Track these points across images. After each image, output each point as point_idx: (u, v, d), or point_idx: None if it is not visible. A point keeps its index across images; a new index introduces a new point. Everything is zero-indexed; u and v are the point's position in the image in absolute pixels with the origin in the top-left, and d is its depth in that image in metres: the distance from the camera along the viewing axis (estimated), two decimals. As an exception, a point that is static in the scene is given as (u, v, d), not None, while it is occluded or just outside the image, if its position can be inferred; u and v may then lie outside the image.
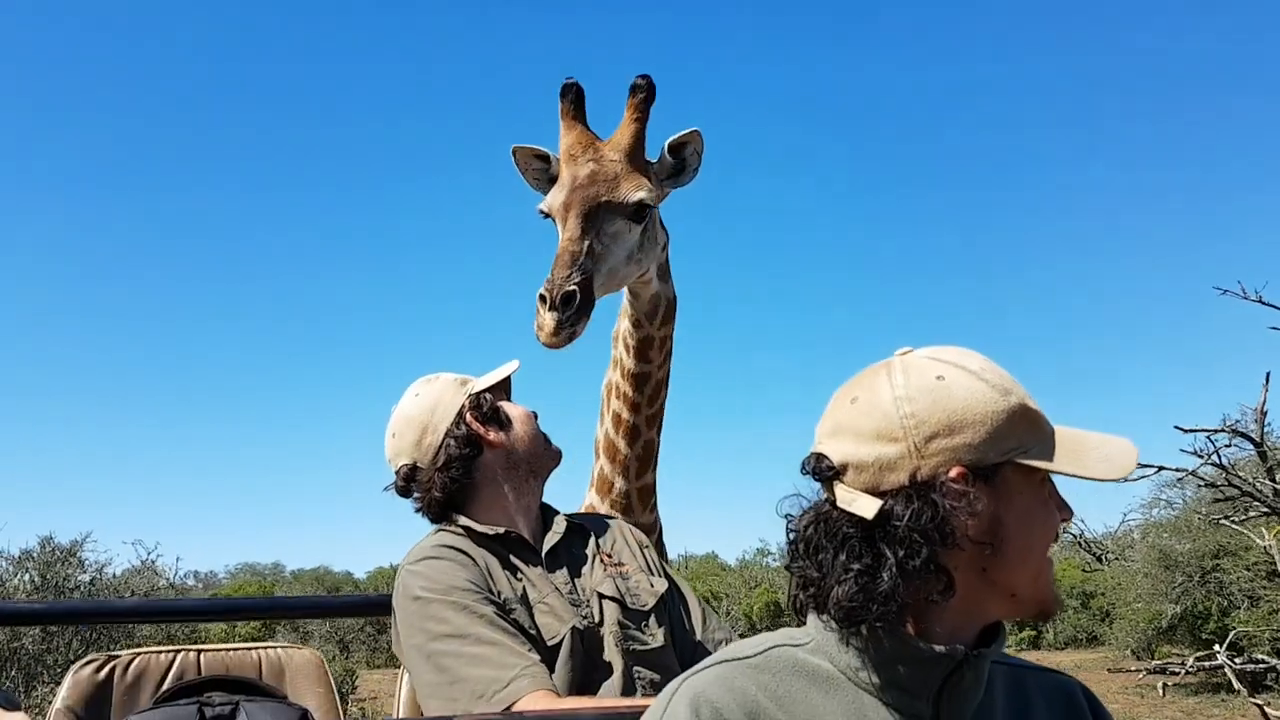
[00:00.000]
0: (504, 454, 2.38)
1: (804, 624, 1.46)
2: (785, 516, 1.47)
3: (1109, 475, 1.35)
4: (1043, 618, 1.45)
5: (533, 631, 2.17)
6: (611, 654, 2.22)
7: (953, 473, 1.33)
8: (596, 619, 2.26)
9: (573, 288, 2.71)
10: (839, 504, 1.38)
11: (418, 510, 2.40)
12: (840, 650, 1.39)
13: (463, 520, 2.34)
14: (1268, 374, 8.58)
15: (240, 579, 32.00)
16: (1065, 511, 1.41)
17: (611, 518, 2.70)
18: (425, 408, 2.40)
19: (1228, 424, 8.88)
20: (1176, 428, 8.55)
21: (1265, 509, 9.14)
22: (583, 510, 3.08)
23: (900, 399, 1.37)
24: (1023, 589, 1.37)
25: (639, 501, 3.09)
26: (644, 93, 3.02)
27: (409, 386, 2.47)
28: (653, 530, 3.11)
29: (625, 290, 3.14)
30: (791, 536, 1.45)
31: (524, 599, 2.22)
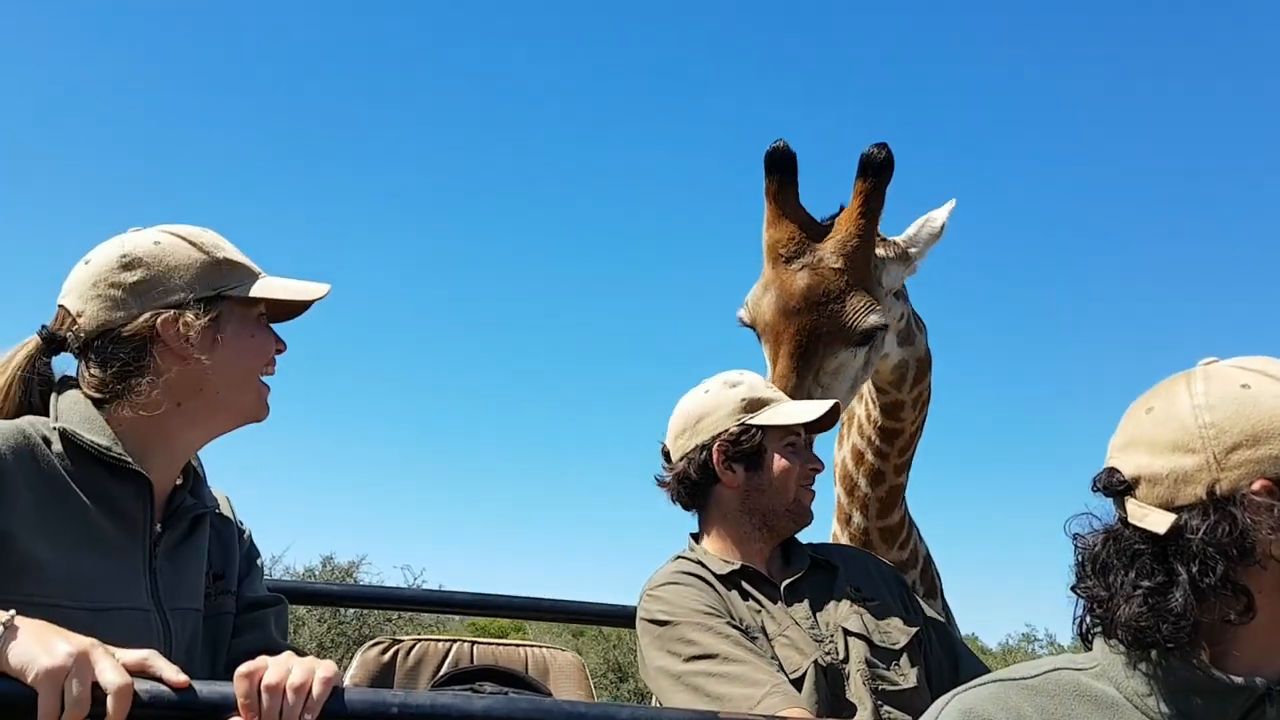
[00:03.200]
0: (739, 496, 2.30)
1: (1089, 650, 1.39)
2: (1073, 536, 1.41)
3: None
4: None
5: (774, 663, 2.09)
6: (859, 692, 2.11)
7: (1256, 485, 1.24)
8: (841, 655, 2.15)
9: None
10: (1130, 520, 1.32)
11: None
12: (1127, 675, 1.31)
13: (699, 550, 2.32)
14: None
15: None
16: None
17: (862, 551, 2.59)
18: (696, 412, 2.35)
19: None
20: None
21: None
22: (830, 540, 2.89)
23: (1199, 408, 1.30)
24: None
25: (881, 540, 2.78)
26: (878, 174, 2.45)
27: (714, 377, 2.41)
28: (911, 566, 2.87)
29: None
30: (1079, 556, 1.40)
31: (763, 630, 2.15)
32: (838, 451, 2.89)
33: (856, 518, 2.78)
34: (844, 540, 2.82)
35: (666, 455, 2.41)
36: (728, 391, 2.36)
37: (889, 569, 2.49)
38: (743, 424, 2.30)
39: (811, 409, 2.30)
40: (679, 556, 2.35)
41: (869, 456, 2.76)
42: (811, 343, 2.44)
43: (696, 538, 2.40)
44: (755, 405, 2.32)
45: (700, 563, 2.28)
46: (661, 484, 2.41)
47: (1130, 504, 1.33)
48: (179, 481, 1.82)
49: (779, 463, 2.29)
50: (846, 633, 2.20)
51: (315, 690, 1.44)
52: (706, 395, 2.37)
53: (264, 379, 1.86)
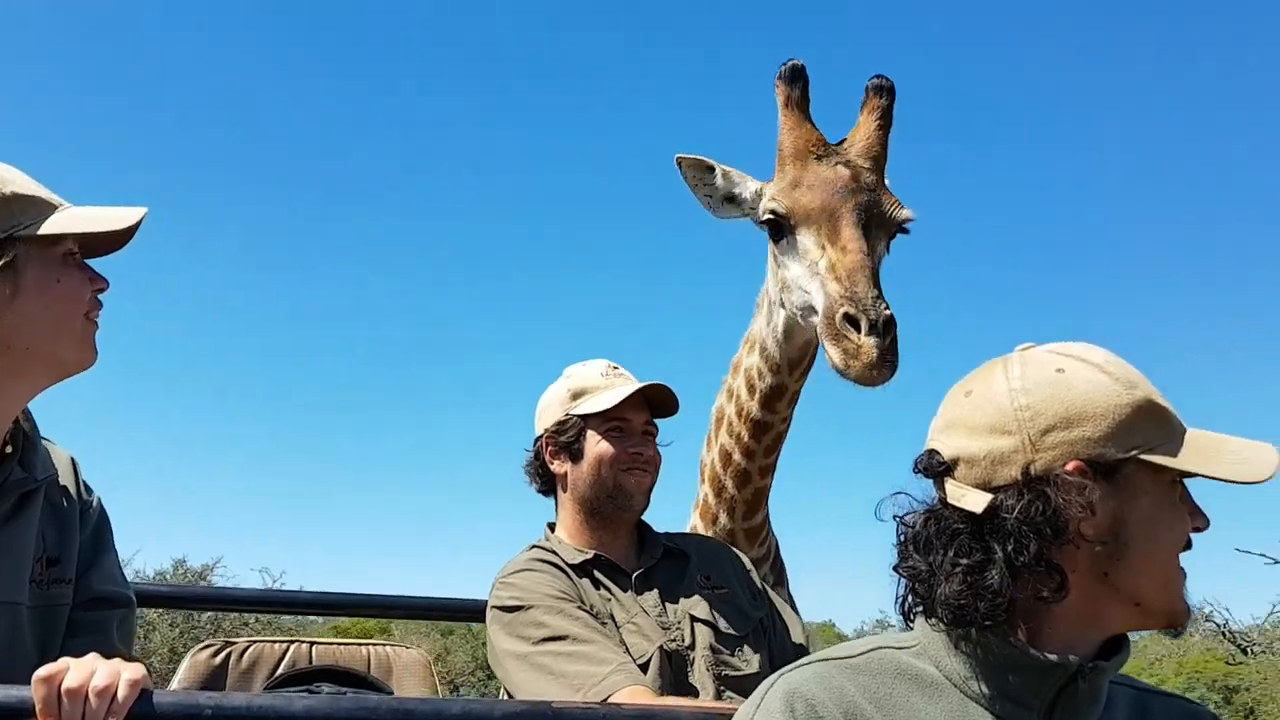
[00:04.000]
0: (570, 486, 2.38)
1: (911, 629, 1.41)
2: (894, 518, 1.43)
3: (1244, 477, 1.27)
4: (1171, 630, 1.35)
5: (622, 648, 2.14)
6: (702, 677, 2.17)
7: (1069, 466, 1.28)
8: (687, 642, 2.21)
9: (891, 313, 2.20)
10: (949, 500, 1.34)
11: None
12: (947, 654, 1.33)
13: (554, 540, 2.37)
14: None
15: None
16: (1199, 518, 1.34)
17: (713, 540, 2.63)
18: (541, 404, 2.46)
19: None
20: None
21: None
22: (687, 531, 2.91)
23: (1016, 391, 1.33)
24: (1149, 597, 1.30)
25: (745, 540, 2.79)
26: (888, 95, 2.58)
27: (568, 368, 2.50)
28: (765, 560, 2.88)
29: (776, 323, 2.65)
30: (901, 536, 1.41)
31: (612, 618, 2.20)
32: (706, 453, 2.89)
33: (723, 518, 2.78)
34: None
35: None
36: (561, 383, 2.44)
37: (738, 557, 2.53)
38: (566, 414, 2.37)
39: (621, 392, 2.33)
40: (534, 546, 2.38)
41: (737, 457, 2.74)
42: (869, 222, 2.40)
43: (553, 527, 2.44)
44: (578, 395, 2.38)
45: (554, 551, 2.31)
46: (525, 471, 2.48)
47: (949, 485, 1.35)
48: (8, 449, 1.64)
49: (595, 449, 2.34)
50: (693, 619, 2.24)
51: (121, 693, 1.36)
52: (551, 388, 2.46)
53: (92, 321, 1.67)
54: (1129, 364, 1.37)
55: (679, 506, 3.02)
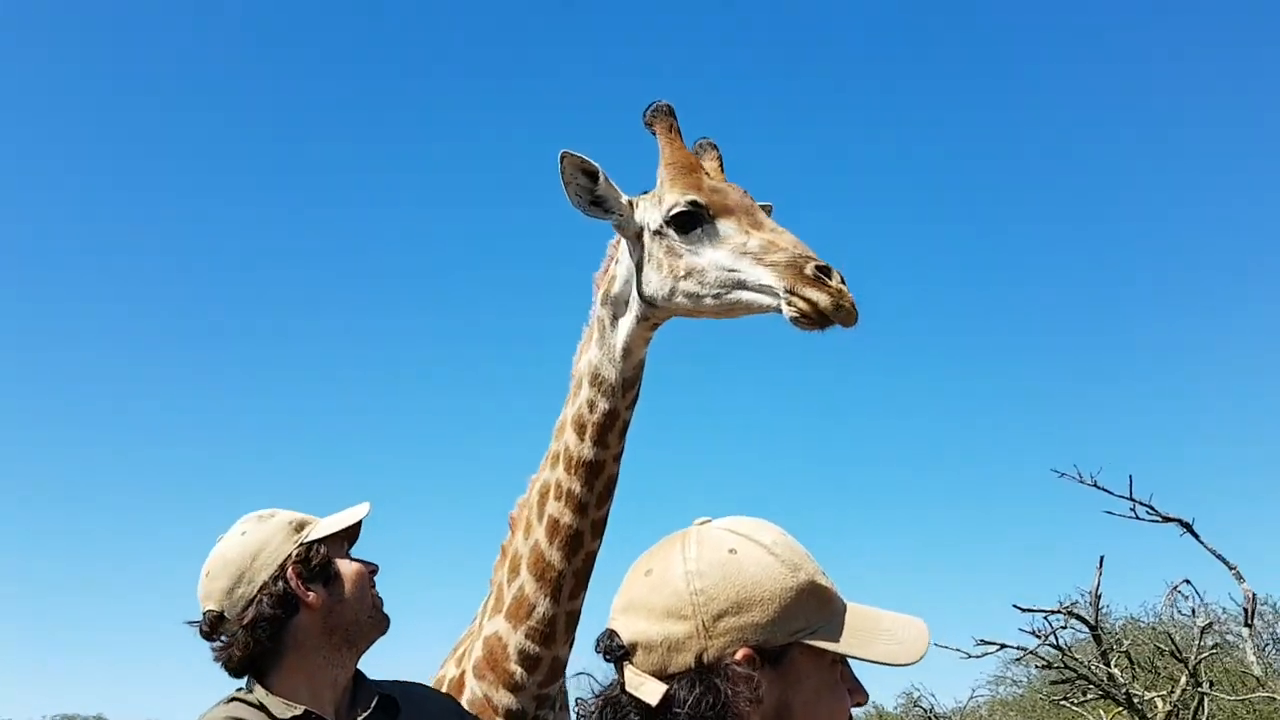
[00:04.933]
0: (321, 618, 2.19)
1: None
2: (575, 702, 1.41)
3: (897, 660, 1.33)
4: None
5: None
6: None
7: (739, 655, 1.29)
8: None
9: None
10: (627, 688, 1.33)
11: (215, 660, 2.20)
12: None
13: (259, 692, 2.15)
14: (1101, 558, 8.82)
15: (59, 731, 29.33)
16: (859, 694, 1.39)
17: (427, 689, 2.53)
18: (247, 552, 2.20)
19: (1064, 605, 9.09)
20: (1015, 606, 8.70)
21: (1100, 692, 9.30)
22: (476, 637, 2.81)
23: (691, 574, 1.34)
24: None
25: (564, 629, 2.68)
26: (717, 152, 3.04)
27: (239, 520, 2.29)
28: (562, 671, 2.79)
29: (614, 342, 2.80)
30: None
31: None
32: (524, 541, 2.80)
33: (544, 606, 2.68)
34: (516, 637, 2.71)
35: (218, 620, 2.20)
36: (268, 523, 2.27)
37: (453, 708, 2.44)
38: (303, 543, 2.22)
39: (356, 510, 2.32)
40: (233, 698, 2.17)
41: (568, 518, 2.70)
42: None
43: (260, 675, 2.21)
44: (302, 525, 2.27)
45: (260, 706, 2.12)
46: (224, 649, 2.19)
47: (628, 671, 1.34)
48: None
49: (349, 568, 2.26)
50: None
51: None
52: (245, 536, 2.24)
53: None
54: (796, 542, 1.41)
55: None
